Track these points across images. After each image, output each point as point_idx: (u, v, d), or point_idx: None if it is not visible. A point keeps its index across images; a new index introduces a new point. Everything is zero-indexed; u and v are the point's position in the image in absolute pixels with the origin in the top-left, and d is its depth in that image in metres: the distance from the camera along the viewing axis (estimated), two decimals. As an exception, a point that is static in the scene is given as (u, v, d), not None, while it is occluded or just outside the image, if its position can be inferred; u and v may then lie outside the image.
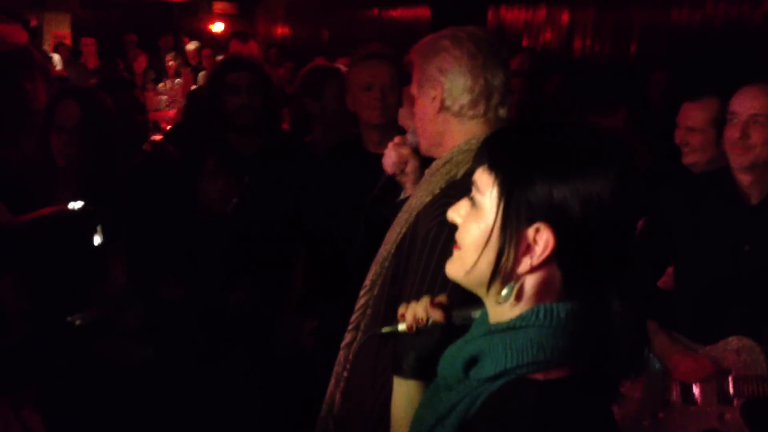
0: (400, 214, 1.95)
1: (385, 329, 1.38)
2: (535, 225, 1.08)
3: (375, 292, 1.96)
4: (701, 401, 2.43)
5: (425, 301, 1.34)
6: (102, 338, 2.49)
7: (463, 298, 1.63)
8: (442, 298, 1.34)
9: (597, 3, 7.50)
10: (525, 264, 1.10)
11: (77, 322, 2.40)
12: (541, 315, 1.10)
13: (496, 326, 1.14)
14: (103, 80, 4.99)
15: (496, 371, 1.10)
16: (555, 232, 1.07)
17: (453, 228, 1.64)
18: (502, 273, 1.12)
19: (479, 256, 1.13)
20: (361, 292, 2.00)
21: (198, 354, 2.97)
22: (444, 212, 1.70)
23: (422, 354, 1.33)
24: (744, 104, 2.43)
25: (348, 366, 1.97)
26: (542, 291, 1.12)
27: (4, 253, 2.33)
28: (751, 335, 2.38)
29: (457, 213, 1.20)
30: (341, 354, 2.01)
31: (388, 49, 3.06)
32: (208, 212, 3.07)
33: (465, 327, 1.28)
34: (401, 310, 1.36)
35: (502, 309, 1.15)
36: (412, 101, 1.99)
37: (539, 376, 1.10)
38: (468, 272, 1.16)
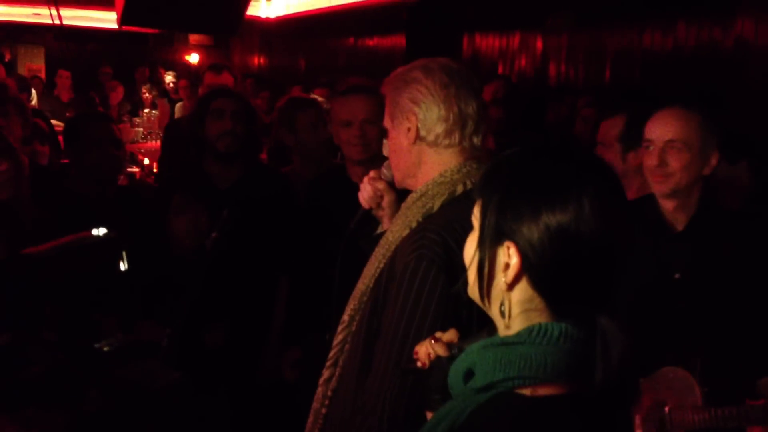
0: (377, 249, 1.94)
1: (407, 366, 1.52)
2: (506, 243, 1.16)
3: (353, 328, 1.94)
4: None
5: (429, 339, 1.46)
6: (129, 363, 2.49)
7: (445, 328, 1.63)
8: (446, 335, 1.45)
9: (570, 29, 7.59)
10: (500, 281, 1.18)
11: (105, 348, 2.44)
12: (534, 332, 1.15)
13: (493, 341, 1.20)
14: (78, 114, 4.97)
15: (484, 383, 1.16)
16: (520, 253, 1.15)
17: (431, 261, 1.67)
18: (485, 289, 1.21)
19: (470, 273, 1.24)
20: (339, 328, 1.98)
21: (176, 390, 2.92)
22: (421, 245, 1.72)
23: (440, 386, 1.38)
24: (659, 131, 2.38)
25: (326, 402, 1.96)
26: (529, 309, 1.18)
27: (35, 281, 2.31)
28: (688, 365, 2.31)
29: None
30: (319, 390, 2.00)
31: (367, 81, 3.07)
32: (182, 248, 3.04)
33: None
34: (416, 347, 1.48)
35: (505, 326, 1.21)
36: (386, 135, 1.98)
37: (526, 392, 1.14)
38: (469, 288, 1.26)
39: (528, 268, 1.15)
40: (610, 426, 1.21)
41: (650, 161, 2.39)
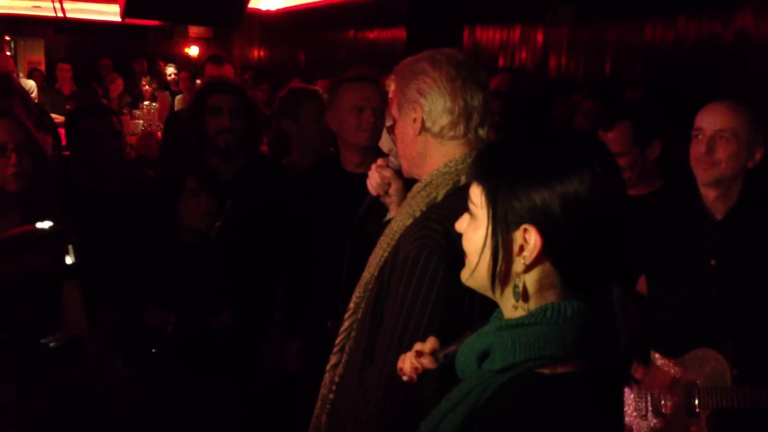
0: (382, 238, 1.96)
1: (394, 382, 1.52)
2: (523, 226, 1.17)
3: (359, 315, 1.97)
4: (670, 414, 2.44)
5: (412, 352, 1.46)
6: (77, 360, 2.45)
7: (443, 322, 1.65)
8: (425, 346, 1.45)
9: (571, 22, 7.59)
10: (519, 264, 1.19)
11: (51, 344, 2.35)
12: (548, 312, 1.17)
13: (507, 322, 1.22)
14: (78, 106, 4.97)
15: (505, 364, 1.18)
16: (541, 232, 1.16)
17: (432, 250, 1.68)
18: (500, 274, 1.21)
19: (479, 261, 1.24)
20: (346, 315, 2.01)
21: (182, 378, 2.94)
22: (423, 235, 1.74)
23: (434, 398, 1.38)
24: (709, 120, 2.46)
25: (334, 388, 1.98)
26: (544, 288, 1.20)
27: None
28: (719, 348, 2.39)
29: (460, 225, 1.30)
30: (327, 376, 2.02)
31: (375, 72, 3.08)
32: (190, 232, 3.05)
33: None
34: (399, 364, 1.48)
35: (513, 307, 1.23)
36: (394, 123, 2.01)
37: (546, 371, 1.17)
38: (472, 275, 1.27)
39: (548, 246, 1.16)
40: (619, 397, 1.28)
41: (698, 149, 2.46)
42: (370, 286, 1.94)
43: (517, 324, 1.19)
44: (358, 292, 1.98)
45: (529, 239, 1.17)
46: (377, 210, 2.23)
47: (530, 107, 5.93)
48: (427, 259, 1.72)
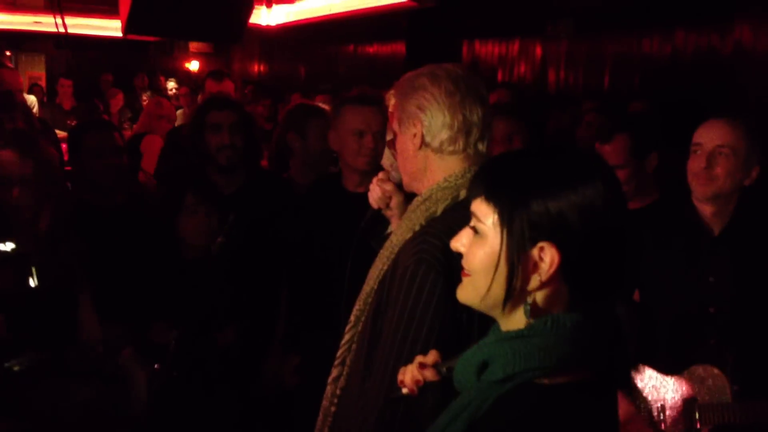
0: (382, 251, 1.97)
1: (394, 395, 1.50)
2: (540, 244, 1.18)
3: (359, 328, 1.98)
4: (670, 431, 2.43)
5: (415, 364, 1.46)
6: (41, 381, 2.41)
7: (441, 336, 1.66)
8: (427, 359, 1.45)
9: (570, 36, 7.63)
10: (534, 282, 1.20)
11: (15, 368, 2.35)
12: (548, 324, 1.19)
13: (507, 334, 1.24)
14: (80, 122, 4.98)
15: (504, 374, 1.19)
16: (558, 248, 1.17)
17: (430, 265, 1.69)
18: (515, 293, 1.21)
19: (492, 281, 1.23)
20: (346, 328, 2.02)
21: (187, 393, 2.95)
22: (421, 250, 1.75)
23: (437, 410, 1.38)
24: (709, 136, 2.47)
25: (335, 401, 1.99)
26: (551, 304, 1.21)
27: None
28: (719, 364, 2.39)
29: (459, 243, 1.30)
30: (328, 389, 2.03)
31: (378, 92, 3.08)
32: (192, 248, 3.06)
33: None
34: (399, 376, 1.48)
35: (513, 319, 1.24)
36: (394, 137, 2.02)
37: (545, 381, 1.19)
38: (483, 297, 1.26)
39: (566, 261, 1.17)
40: (614, 406, 1.29)
41: (697, 164, 2.47)
42: (369, 300, 1.95)
43: (517, 335, 1.21)
44: (358, 306, 1.99)
45: (545, 257, 1.18)
46: (379, 223, 2.25)
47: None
48: (425, 273, 1.72)
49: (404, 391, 1.47)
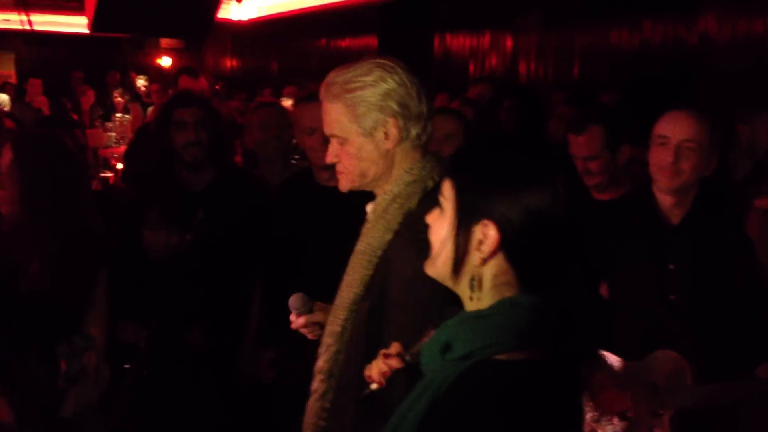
0: (358, 256, 1.86)
1: (365, 392, 1.54)
2: (483, 221, 1.25)
3: (346, 337, 1.86)
4: (634, 416, 2.46)
5: (379, 357, 1.51)
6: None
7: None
8: (390, 350, 1.50)
9: (539, 28, 7.68)
10: (476, 257, 1.27)
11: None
12: (506, 305, 1.26)
13: (469, 314, 1.30)
14: (42, 119, 4.95)
15: (464, 352, 1.24)
16: (499, 229, 1.24)
17: None
18: (460, 264, 1.29)
19: (442, 252, 1.32)
20: (329, 340, 1.89)
21: (155, 393, 2.94)
22: (425, 247, 1.65)
23: (404, 396, 1.38)
24: (675, 129, 2.47)
25: (325, 415, 1.88)
26: (501, 284, 1.28)
27: None
28: (679, 349, 2.40)
29: (430, 217, 1.38)
30: (317, 405, 1.91)
31: None
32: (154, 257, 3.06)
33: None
34: (366, 372, 1.53)
35: (473, 301, 1.30)
36: (341, 143, 1.88)
37: (503, 357, 1.24)
38: (435, 267, 1.35)
39: (505, 244, 1.25)
40: (574, 384, 1.36)
41: (664, 158, 2.47)
42: (355, 307, 1.84)
43: (478, 315, 1.27)
44: (342, 314, 1.86)
45: (487, 234, 1.25)
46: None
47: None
48: None
49: (373, 386, 1.50)
